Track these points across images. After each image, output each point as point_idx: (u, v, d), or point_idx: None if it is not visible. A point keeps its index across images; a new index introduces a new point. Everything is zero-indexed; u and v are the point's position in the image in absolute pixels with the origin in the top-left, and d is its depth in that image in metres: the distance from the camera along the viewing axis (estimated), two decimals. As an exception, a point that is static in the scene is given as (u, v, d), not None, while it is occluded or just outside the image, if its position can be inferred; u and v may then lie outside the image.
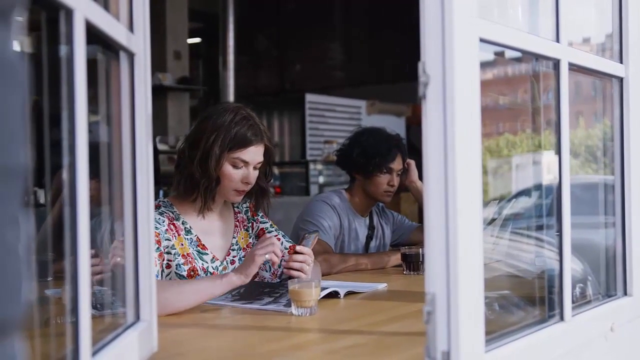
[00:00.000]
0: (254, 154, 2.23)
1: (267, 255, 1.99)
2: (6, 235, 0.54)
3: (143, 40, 1.38)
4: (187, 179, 2.21)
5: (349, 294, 2.19)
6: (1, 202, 0.53)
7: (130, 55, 1.35)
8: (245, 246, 2.38)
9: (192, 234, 2.24)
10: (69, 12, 0.99)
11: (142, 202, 1.38)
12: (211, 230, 2.30)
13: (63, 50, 1.01)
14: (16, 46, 0.58)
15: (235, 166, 2.21)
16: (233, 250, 2.35)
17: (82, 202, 1.01)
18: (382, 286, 2.37)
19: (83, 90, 1.02)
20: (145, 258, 1.38)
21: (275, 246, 2.02)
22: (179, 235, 2.20)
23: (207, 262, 2.23)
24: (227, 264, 2.30)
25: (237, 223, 2.39)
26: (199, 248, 2.24)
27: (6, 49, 0.55)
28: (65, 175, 1.02)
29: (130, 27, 1.35)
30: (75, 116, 1.00)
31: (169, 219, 2.20)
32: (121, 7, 1.33)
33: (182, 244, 2.19)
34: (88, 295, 1.03)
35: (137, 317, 1.37)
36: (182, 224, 2.23)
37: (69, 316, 1.21)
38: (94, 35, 1.11)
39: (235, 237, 2.36)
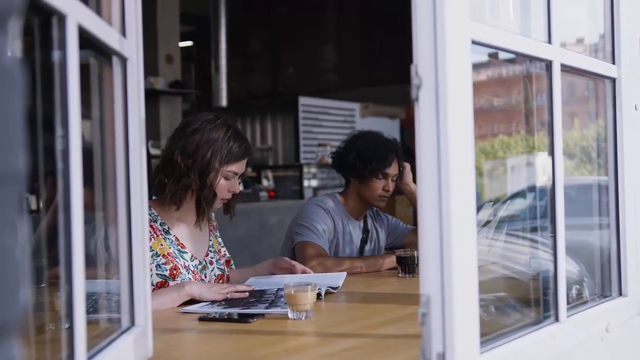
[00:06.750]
0: (244, 166, 2.38)
1: (228, 295, 2.14)
2: (5, 239, 0.54)
3: (136, 45, 1.38)
4: (181, 190, 2.28)
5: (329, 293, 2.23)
6: (0, 206, 0.53)
7: (123, 60, 1.34)
8: (217, 250, 2.50)
9: (171, 234, 2.32)
10: (62, 18, 0.99)
11: (136, 207, 1.37)
12: (190, 234, 2.39)
13: (56, 55, 1.01)
14: (13, 51, 0.58)
15: (226, 178, 2.33)
16: (211, 252, 2.46)
17: (76, 208, 1.01)
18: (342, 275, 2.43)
19: (76, 95, 1.02)
20: (139, 263, 1.38)
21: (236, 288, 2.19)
22: (157, 236, 2.28)
23: (187, 261, 2.32)
24: (206, 263, 2.41)
25: (212, 228, 2.52)
26: (179, 247, 2.32)
27: (3, 54, 0.55)
28: (59, 181, 1.02)
29: (123, 32, 1.35)
30: (68, 122, 1.00)
31: None
32: (113, 12, 1.33)
33: (161, 245, 2.27)
34: (83, 301, 1.02)
35: (132, 322, 1.37)
36: (160, 225, 2.31)
37: (60, 322, 1.20)
38: (86, 40, 1.11)
39: (211, 240, 2.48)
